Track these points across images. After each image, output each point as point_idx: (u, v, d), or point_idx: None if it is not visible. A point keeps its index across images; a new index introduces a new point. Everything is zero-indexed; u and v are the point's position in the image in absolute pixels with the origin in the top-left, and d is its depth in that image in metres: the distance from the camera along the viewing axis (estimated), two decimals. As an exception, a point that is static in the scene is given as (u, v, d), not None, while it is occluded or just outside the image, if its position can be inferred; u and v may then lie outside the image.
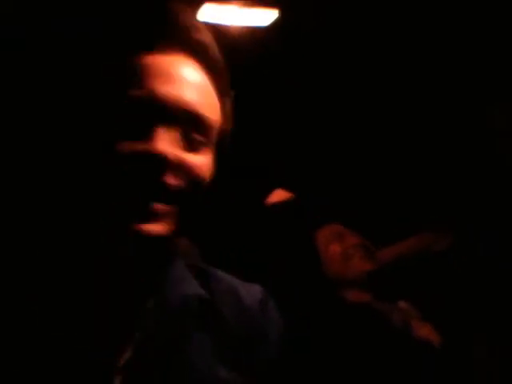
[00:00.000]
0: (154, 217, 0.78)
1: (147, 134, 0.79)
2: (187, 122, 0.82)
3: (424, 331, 2.02)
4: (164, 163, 0.78)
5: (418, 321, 2.08)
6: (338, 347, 1.76)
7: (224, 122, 0.90)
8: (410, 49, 3.08)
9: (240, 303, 0.93)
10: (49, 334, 0.80)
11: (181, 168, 0.80)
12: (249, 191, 2.60)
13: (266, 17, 3.18)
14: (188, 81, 0.83)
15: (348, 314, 1.97)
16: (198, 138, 0.83)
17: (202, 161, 0.83)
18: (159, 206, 0.78)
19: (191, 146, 0.82)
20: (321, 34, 3.18)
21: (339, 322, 1.92)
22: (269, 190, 2.38)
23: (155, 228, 0.78)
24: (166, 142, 0.79)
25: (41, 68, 2.73)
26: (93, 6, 2.75)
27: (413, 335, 1.99)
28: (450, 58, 2.95)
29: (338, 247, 2.13)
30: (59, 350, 0.79)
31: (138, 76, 0.81)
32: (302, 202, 2.26)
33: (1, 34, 2.77)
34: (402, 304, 2.16)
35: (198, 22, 0.87)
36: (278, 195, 2.36)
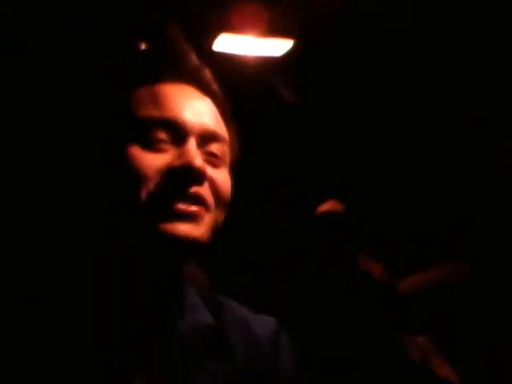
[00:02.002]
0: (190, 217, 0.82)
1: (180, 149, 0.84)
2: (207, 139, 0.88)
3: (444, 370, 2.03)
4: (200, 175, 0.83)
5: (437, 358, 2.08)
6: (355, 376, 1.77)
7: (232, 148, 0.95)
8: (418, 60, 3.11)
9: (250, 335, 0.93)
10: (62, 358, 0.80)
11: (210, 181, 0.86)
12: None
13: (280, 47, 3.25)
14: (203, 108, 0.90)
15: (368, 344, 1.98)
16: (217, 153, 0.89)
17: (223, 176, 0.89)
18: (193, 207, 0.83)
19: (212, 162, 0.88)
20: (334, 63, 3.24)
21: (358, 350, 1.93)
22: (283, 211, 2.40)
23: (195, 231, 0.82)
24: (199, 157, 0.84)
25: (41, 68, 2.73)
26: (93, 6, 2.74)
27: (432, 373, 2.00)
28: (457, 69, 2.96)
29: None
30: (71, 375, 0.80)
31: (161, 101, 0.86)
32: (348, 217, 2.28)
33: (1, 34, 2.76)
34: (421, 339, 2.16)
35: (200, 61, 0.94)
36: (330, 205, 2.39)
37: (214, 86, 0.94)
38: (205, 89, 0.92)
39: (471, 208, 2.52)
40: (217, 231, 0.88)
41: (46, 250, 0.92)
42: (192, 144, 0.84)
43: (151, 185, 0.82)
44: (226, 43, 3.08)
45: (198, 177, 0.83)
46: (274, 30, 3.05)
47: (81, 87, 0.94)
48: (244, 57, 3.12)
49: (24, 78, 2.73)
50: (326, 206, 2.38)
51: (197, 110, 0.88)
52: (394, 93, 3.26)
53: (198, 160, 0.83)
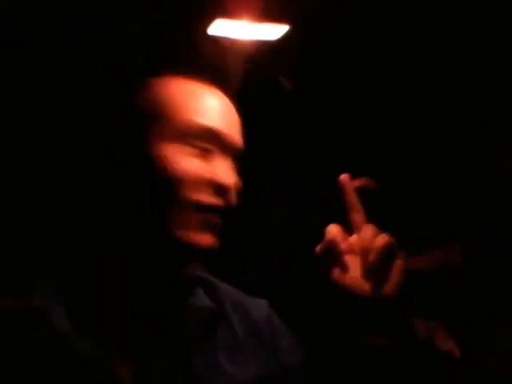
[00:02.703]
0: (211, 228, 0.86)
1: (210, 162, 0.88)
2: (234, 155, 0.92)
3: (447, 345, 2.04)
4: (228, 192, 0.87)
5: (441, 333, 2.09)
6: (355, 354, 1.76)
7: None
8: (416, 57, 3.10)
9: (248, 316, 0.96)
10: (62, 341, 0.81)
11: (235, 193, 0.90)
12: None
13: (275, 31, 3.25)
14: (236, 121, 0.94)
15: (371, 321, 1.99)
16: (236, 165, 0.94)
17: (240, 184, 0.93)
18: (217, 219, 0.87)
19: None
20: (330, 48, 3.24)
21: (361, 328, 1.93)
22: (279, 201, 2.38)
23: (210, 240, 0.86)
24: (226, 171, 0.88)
25: (41, 68, 2.73)
26: (93, 6, 2.74)
27: (435, 347, 2.01)
28: (457, 67, 2.96)
29: None
30: (71, 359, 0.80)
31: (195, 106, 0.89)
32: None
33: (1, 34, 2.77)
34: (425, 320, 2.17)
35: (223, 52, 0.98)
36: (365, 181, 2.36)
37: (232, 79, 0.95)
38: (223, 84, 0.94)
39: (471, 208, 2.52)
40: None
41: (48, 248, 0.92)
42: (228, 159, 0.89)
43: (187, 190, 0.85)
44: (222, 28, 3.04)
45: (234, 198, 0.88)
46: (269, 14, 3.05)
47: (102, 86, 0.95)
48: (240, 41, 3.13)
49: (24, 78, 2.74)
50: (361, 181, 2.35)
51: (234, 125, 0.92)
52: (394, 91, 3.26)
53: (227, 178, 0.87)
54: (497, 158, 2.55)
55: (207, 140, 0.87)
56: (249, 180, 0.91)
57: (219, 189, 0.86)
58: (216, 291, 0.96)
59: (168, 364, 0.84)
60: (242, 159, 0.94)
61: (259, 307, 0.99)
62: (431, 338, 2.05)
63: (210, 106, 0.88)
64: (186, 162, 0.85)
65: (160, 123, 0.86)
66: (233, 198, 0.88)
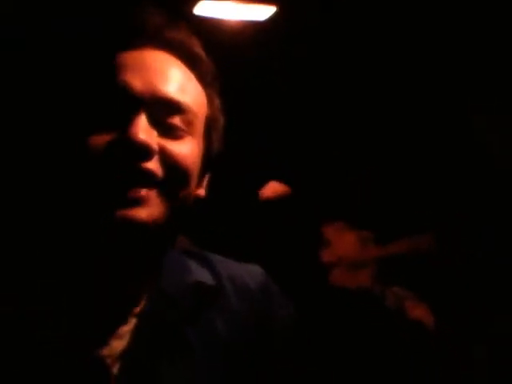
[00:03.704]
0: (138, 202, 0.78)
1: (126, 125, 0.79)
2: (164, 110, 0.82)
3: (418, 312, 2.06)
4: (144, 150, 0.78)
5: (412, 301, 2.11)
6: (333, 330, 1.78)
7: (211, 112, 0.90)
8: (408, 45, 3.10)
9: (244, 287, 0.94)
10: (43, 325, 0.80)
11: (162, 154, 0.81)
12: (244, 182, 2.58)
13: (263, 12, 3.21)
14: (163, 71, 0.84)
15: (343, 298, 2.02)
16: (179, 124, 0.83)
17: (184, 148, 0.83)
18: (143, 191, 0.78)
19: (172, 134, 0.82)
20: (317, 30, 3.21)
21: (334, 305, 1.96)
22: (263, 182, 2.34)
23: (141, 214, 0.78)
24: (145, 130, 0.79)
25: (41, 68, 2.74)
26: (86, 6, 2.76)
27: (406, 317, 2.03)
28: (451, 54, 2.95)
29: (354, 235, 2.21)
30: (55, 341, 0.80)
31: (114, 72, 0.82)
32: (297, 199, 2.25)
33: (1, 34, 2.78)
34: (395, 288, 2.19)
35: (172, 20, 0.88)
36: (273, 188, 2.33)
37: (187, 47, 0.88)
38: (173, 51, 0.86)
39: (467, 203, 2.52)
40: (182, 206, 0.84)
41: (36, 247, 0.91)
42: (139, 116, 0.79)
43: (101, 166, 0.78)
44: (208, 8, 3.03)
45: (141, 152, 0.78)
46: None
47: (65, 85, 0.92)
48: (226, 22, 3.09)
49: (24, 78, 2.75)
50: (268, 192, 2.30)
51: (152, 77, 0.82)
52: (381, 75, 3.23)
53: (141, 134, 0.77)
54: (491, 145, 2.55)
55: (111, 103, 0.80)
56: (234, 160, 0.86)
57: (120, 151, 0.77)
58: (211, 264, 0.94)
59: (157, 338, 0.83)
60: (179, 111, 0.82)
61: (254, 275, 0.96)
62: (401, 308, 2.07)
63: (120, 69, 0.81)
64: (93, 138, 0.78)
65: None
66: (136, 152, 0.77)
